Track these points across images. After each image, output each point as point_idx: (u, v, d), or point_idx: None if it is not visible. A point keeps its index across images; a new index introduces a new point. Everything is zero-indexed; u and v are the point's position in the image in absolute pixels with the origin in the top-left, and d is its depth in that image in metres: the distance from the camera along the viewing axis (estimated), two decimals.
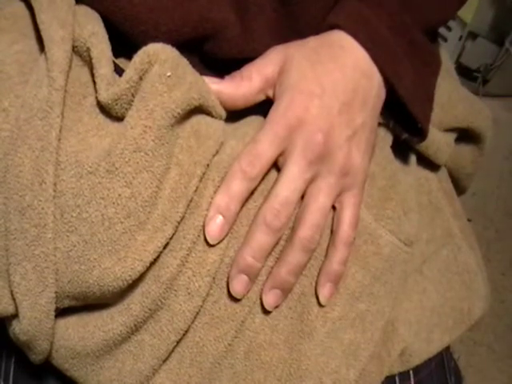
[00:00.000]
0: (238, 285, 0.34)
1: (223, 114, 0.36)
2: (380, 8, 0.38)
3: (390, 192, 0.38)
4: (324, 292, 0.36)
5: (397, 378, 0.42)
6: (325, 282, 0.36)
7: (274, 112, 0.35)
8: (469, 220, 0.49)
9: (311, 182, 0.35)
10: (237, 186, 0.34)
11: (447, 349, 0.48)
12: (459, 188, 0.51)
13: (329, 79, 0.35)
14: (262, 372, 0.36)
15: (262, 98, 0.37)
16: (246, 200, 0.35)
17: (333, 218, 0.36)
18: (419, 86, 0.38)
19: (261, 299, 0.36)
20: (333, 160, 0.35)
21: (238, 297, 0.35)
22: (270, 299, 0.35)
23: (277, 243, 0.35)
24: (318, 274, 0.36)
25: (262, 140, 0.34)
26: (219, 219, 0.33)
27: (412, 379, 0.43)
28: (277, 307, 0.36)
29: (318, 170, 0.35)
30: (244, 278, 0.34)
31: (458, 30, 1.45)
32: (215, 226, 0.33)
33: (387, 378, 0.41)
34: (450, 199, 0.47)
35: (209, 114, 0.36)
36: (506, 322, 1.12)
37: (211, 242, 0.34)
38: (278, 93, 0.36)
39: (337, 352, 0.37)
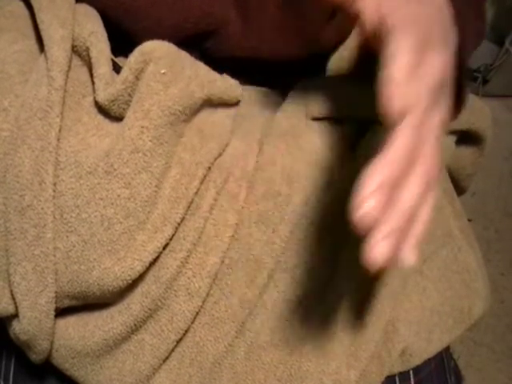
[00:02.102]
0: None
1: (238, 93, 0.35)
2: None
3: None
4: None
5: (397, 378, 0.42)
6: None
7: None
8: (469, 220, 0.49)
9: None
10: None
11: (447, 349, 0.48)
12: (459, 188, 0.51)
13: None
14: (262, 372, 0.36)
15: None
16: (249, 203, 0.35)
17: None
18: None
19: (261, 300, 0.36)
20: None
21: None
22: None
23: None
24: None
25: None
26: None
27: (412, 379, 0.43)
28: (277, 308, 0.36)
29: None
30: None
31: None
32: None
33: (387, 377, 0.41)
34: (450, 199, 0.47)
35: (221, 100, 0.35)
36: (506, 322, 1.12)
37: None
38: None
39: (337, 353, 0.37)
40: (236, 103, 0.37)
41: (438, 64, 0.28)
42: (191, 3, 0.36)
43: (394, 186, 0.26)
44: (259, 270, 0.35)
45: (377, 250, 0.25)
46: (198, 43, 0.38)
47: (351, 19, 0.43)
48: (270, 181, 0.35)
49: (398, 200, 0.26)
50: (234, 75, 0.38)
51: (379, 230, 0.26)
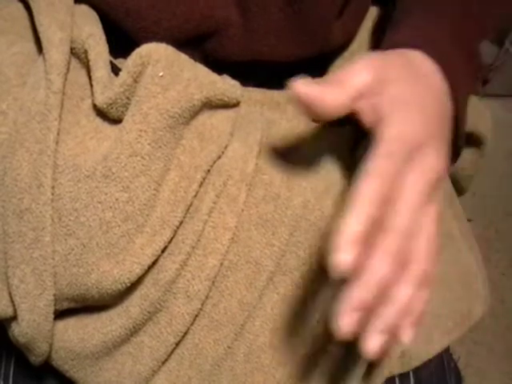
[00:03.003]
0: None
1: (238, 94, 0.35)
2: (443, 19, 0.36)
3: None
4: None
5: (397, 379, 0.42)
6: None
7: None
8: (469, 220, 0.49)
9: None
10: None
11: (447, 349, 0.48)
12: (459, 188, 0.51)
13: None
14: (261, 375, 0.36)
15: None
16: (248, 205, 0.34)
17: None
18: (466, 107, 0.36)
19: (261, 302, 0.35)
20: None
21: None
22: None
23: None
24: None
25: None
26: None
27: (412, 380, 0.43)
28: (276, 310, 0.36)
29: None
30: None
31: None
32: None
33: (387, 378, 0.41)
34: (450, 200, 0.47)
35: (220, 101, 0.35)
36: (506, 322, 1.12)
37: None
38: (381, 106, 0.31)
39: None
40: (236, 104, 0.37)
41: (431, 167, 0.30)
42: (192, 5, 0.36)
43: (389, 286, 0.28)
44: (259, 273, 0.35)
45: (371, 343, 0.28)
46: (199, 44, 0.38)
47: (358, 20, 0.43)
48: (269, 183, 0.35)
49: (393, 298, 0.28)
50: (234, 76, 0.38)
51: (373, 325, 0.28)
